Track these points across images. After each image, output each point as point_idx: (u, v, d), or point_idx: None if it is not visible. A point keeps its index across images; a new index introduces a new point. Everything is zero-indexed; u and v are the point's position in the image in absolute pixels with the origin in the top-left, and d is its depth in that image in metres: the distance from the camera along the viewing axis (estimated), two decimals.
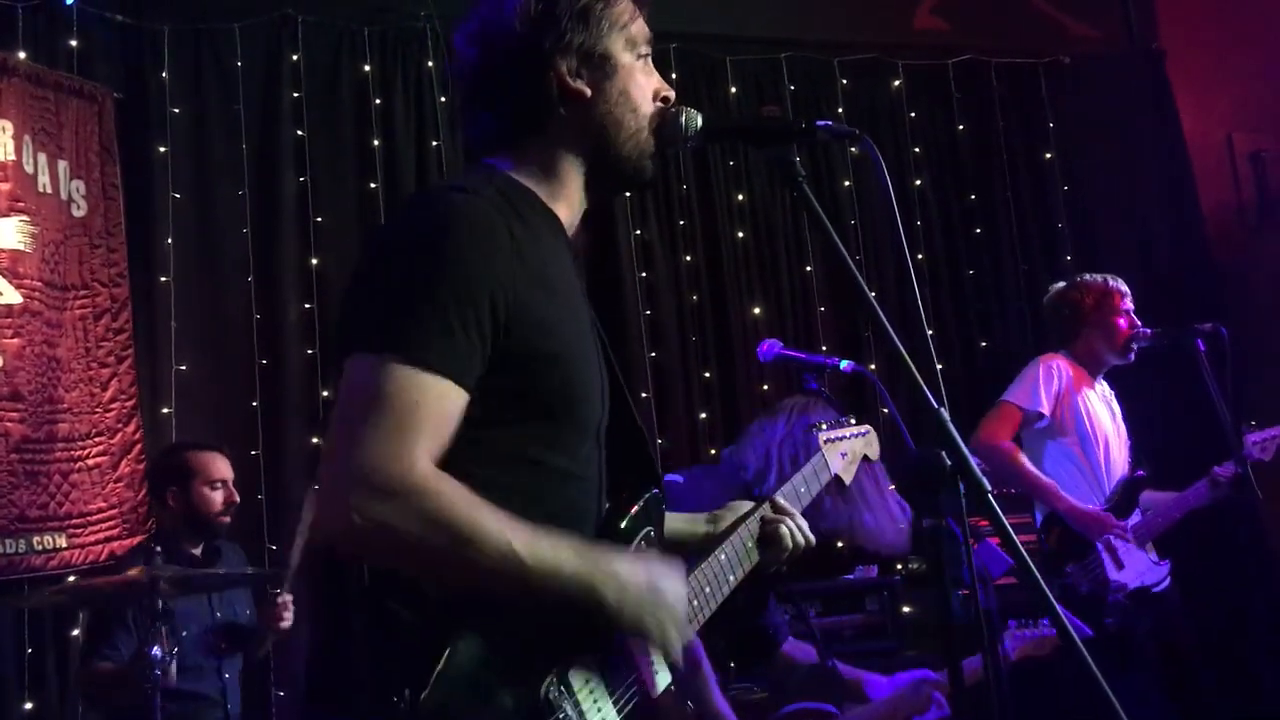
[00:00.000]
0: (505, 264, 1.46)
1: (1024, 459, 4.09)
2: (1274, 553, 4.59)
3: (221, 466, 3.86)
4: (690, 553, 1.94)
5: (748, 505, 2.10)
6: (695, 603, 1.80)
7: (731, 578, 1.95)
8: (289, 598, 3.72)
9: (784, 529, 2.10)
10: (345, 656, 1.53)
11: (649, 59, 1.71)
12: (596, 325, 1.71)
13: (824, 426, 2.50)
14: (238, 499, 3.88)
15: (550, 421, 1.53)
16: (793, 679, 3.10)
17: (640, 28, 1.69)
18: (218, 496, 3.81)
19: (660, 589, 1.50)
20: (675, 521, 2.01)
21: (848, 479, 2.48)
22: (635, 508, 1.68)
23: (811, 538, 2.15)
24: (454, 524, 1.37)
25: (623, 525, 1.64)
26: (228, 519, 3.85)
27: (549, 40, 1.61)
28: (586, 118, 1.64)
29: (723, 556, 1.94)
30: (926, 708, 3.01)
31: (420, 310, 1.40)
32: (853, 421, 2.56)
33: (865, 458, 2.59)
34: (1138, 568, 4.03)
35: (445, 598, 1.43)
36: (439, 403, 1.40)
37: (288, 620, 3.71)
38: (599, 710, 1.52)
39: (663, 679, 1.64)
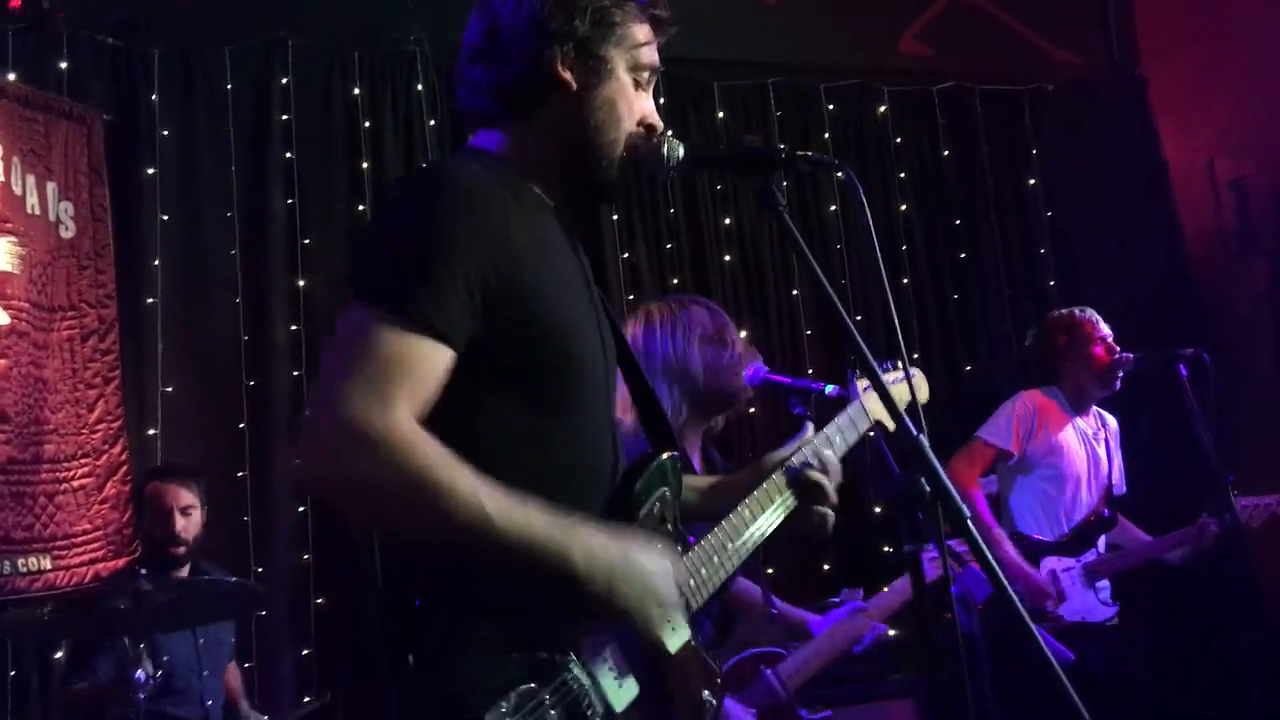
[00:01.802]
0: (500, 231, 1.51)
1: (983, 502, 4.10)
2: (1261, 585, 4.60)
3: (168, 496, 3.81)
4: (711, 513, 1.85)
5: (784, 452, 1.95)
6: (717, 558, 1.73)
7: (756, 533, 1.81)
8: None
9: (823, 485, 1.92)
10: (368, 645, 1.56)
11: (649, 88, 1.74)
12: (600, 296, 1.74)
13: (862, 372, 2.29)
14: (179, 528, 3.79)
15: (551, 389, 1.56)
16: (740, 625, 3.15)
17: (649, 54, 1.73)
18: (157, 529, 3.79)
19: (635, 561, 1.47)
20: (697, 483, 1.97)
21: (891, 425, 2.31)
22: (648, 470, 1.68)
23: (835, 500, 1.94)
24: (428, 480, 1.38)
25: (636, 488, 1.65)
26: (180, 549, 3.79)
27: (555, 25, 1.65)
28: (569, 113, 1.67)
29: (746, 512, 1.82)
30: (862, 635, 3.18)
31: (414, 268, 1.45)
32: (899, 365, 2.32)
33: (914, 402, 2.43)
34: (1079, 604, 4.04)
35: (456, 584, 1.45)
36: (426, 359, 1.43)
37: None
38: (608, 669, 1.53)
39: (679, 636, 1.60)
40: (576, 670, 1.49)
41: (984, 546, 1.49)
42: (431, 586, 1.48)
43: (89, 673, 3.59)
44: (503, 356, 1.51)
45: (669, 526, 1.69)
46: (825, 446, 2.01)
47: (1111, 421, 4.39)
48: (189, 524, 3.82)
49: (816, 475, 1.90)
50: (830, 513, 1.91)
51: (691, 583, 1.67)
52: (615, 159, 1.69)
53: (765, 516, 1.84)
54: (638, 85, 1.72)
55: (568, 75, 1.66)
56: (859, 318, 5.73)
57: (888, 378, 2.27)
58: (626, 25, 1.70)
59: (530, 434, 1.54)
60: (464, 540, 1.41)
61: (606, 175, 1.70)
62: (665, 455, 1.72)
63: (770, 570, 5.16)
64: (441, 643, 1.44)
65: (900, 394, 2.27)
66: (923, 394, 2.36)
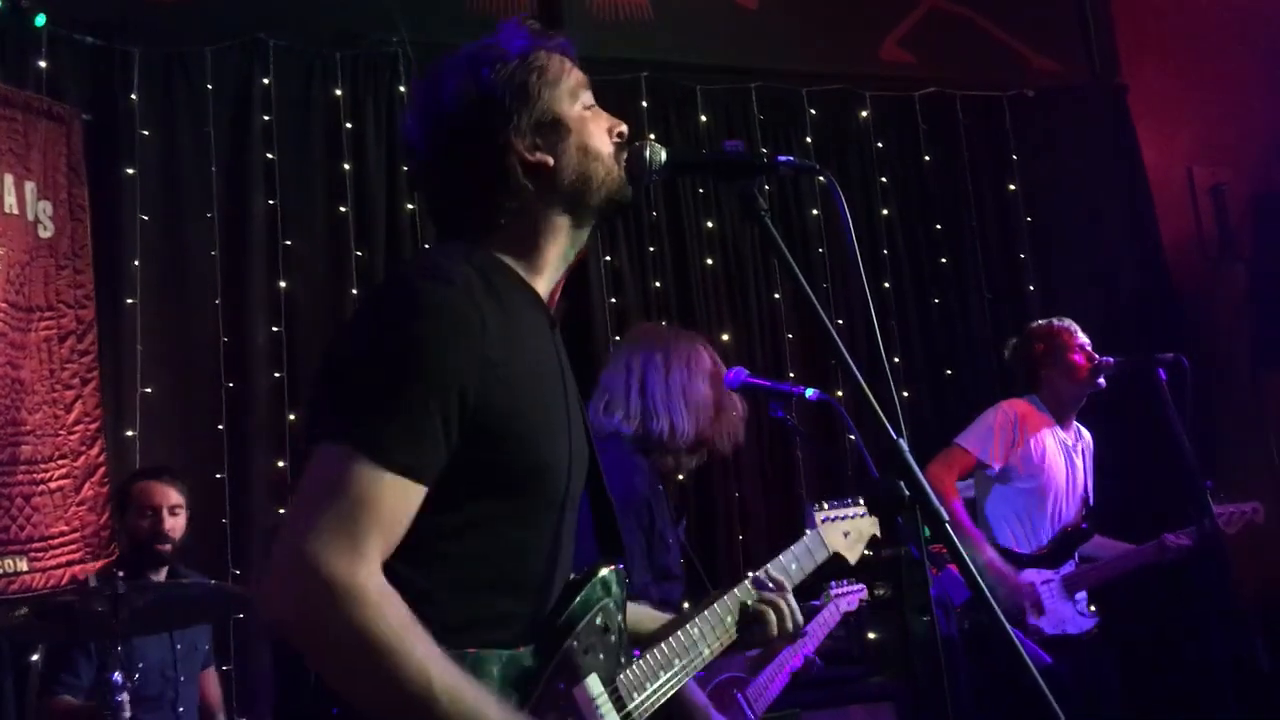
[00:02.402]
0: (472, 354, 1.46)
1: (960, 506, 4.07)
2: (1236, 592, 4.61)
3: (156, 494, 3.80)
4: (653, 637, 1.88)
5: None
6: (664, 673, 1.76)
7: (706, 651, 1.87)
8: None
9: (770, 613, 1.97)
10: (307, 691, 1.52)
11: (591, 100, 1.71)
12: (576, 398, 1.70)
13: (825, 506, 2.48)
14: (168, 527, 3.80)
15: (509, 496, 1.53)
16: None
17: (577, 77, 1.70)
18: (145, 524, 3.77)
19: None
20: (640, 610, 1.97)
21: (852, 558, 2.46)
22: (591, 581, 1.66)
23: (800, 622, 2.03)
24: (380, 638, 1.36)
25: (579, 598, 1.63)
26: (166, 547, 3.79)
27: (498, 123, 1.62)
28: (555, 182, 1.64)
29: (695, 630, 1.87)
30: (802, 664, 3.34)
31: (387, 406, 1.41)
32: (859, 501, 2.52)
33: (874, 536, 2.55)
34: (1059, 615, 4.04)
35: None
36: (396, 501, 1.41)
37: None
38: None
39: None
40: None
41: (961, 550, 1.49)
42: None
43: (72, 678, 3.56)
44: (464, 463, 1.47)
45: (611, 637, 1.67)
46: (780, 574, 2.08)
47: (1087, 435, 4.39)
48: (176, 524, 3.82)
49: (765, 607, 1.95)
50: (775, 634, 1.97)
51: (637, 696, 1.68)
52: (618, 180, 1.68)
53: (714, 636, 1.90)
54: (585, 108, 1.69)
55: (540, 157, 1.63)
56: (840, 321, 5.75)
57: (846, 512, 2.45)
58: (545, 73, 1.66)
59: (484, 537, 1.52)
60: (403, 710, 1.38)
61: (618, 198, 1.70)
62: (609, 568, 1.70)
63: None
64: None
65: (860, 529, 2.47)
66: (877, 530, 2.51)
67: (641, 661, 1.74)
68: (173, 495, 3.83)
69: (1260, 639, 4.99)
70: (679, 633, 1.83)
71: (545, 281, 1.68)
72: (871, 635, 4.41)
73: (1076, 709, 3.79)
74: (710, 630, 1.89)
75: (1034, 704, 1.40)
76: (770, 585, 2.01)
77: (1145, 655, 5.18)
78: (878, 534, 2.51)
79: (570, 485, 1.62)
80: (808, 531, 2.37)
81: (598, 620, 1.65)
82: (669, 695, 1.76)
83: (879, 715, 4.25)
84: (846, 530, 2.46)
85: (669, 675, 1.76)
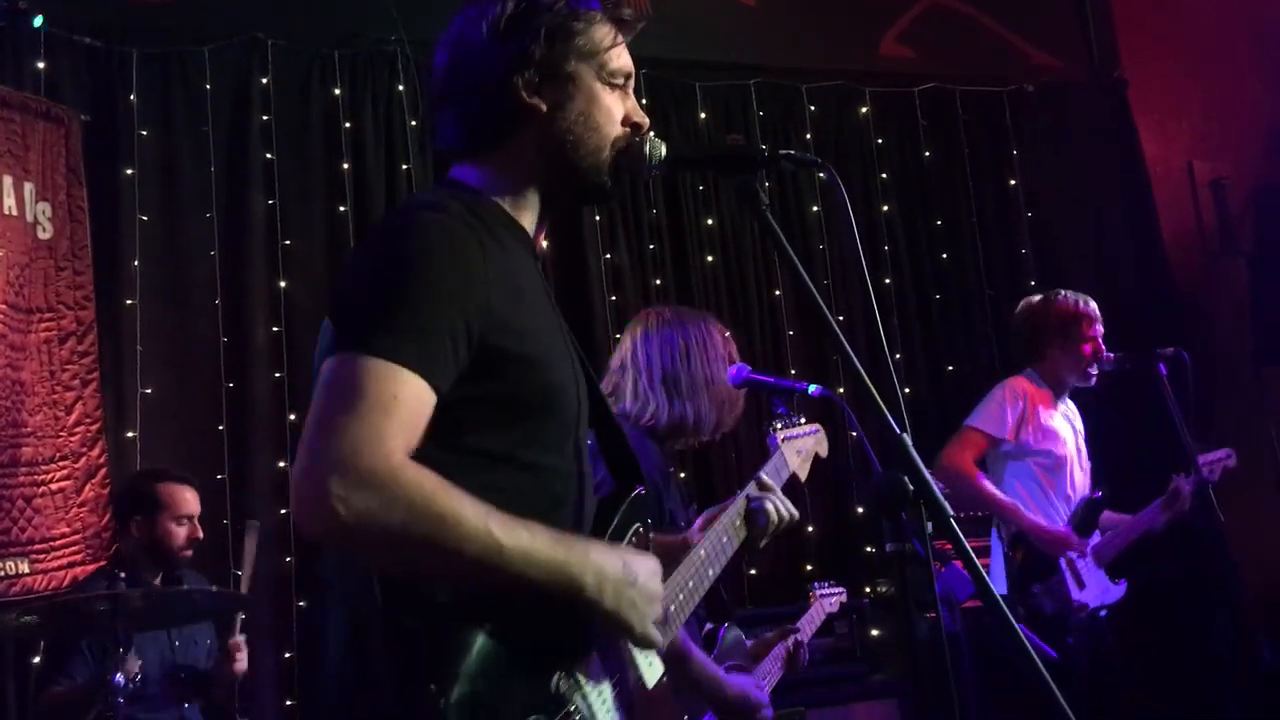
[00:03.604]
0: (476, 277, 1.50)
1: (986, 482, 4.08)
2: (1238, 572, 4.62)
3: (190, 501, 3.82)
4: (670, 557, 2.01)
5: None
6: (681, 596, 1.90)
7: (712, 571, 2.08)
8: (242, 639, 3.70)
9: (769, 505, 2.27)
10: (364, 667, 1.52)
11: (627, 88, 1.72)
12: (567, 329, 1.74)
13: (779, 426, 2.61)
14: (201, 534, 3.83)
15: (531, 421, 1.56)
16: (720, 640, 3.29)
17: (618, 55, 1.70)
18: (182, 532, 3.77)
19: (637, 579, 1.51)
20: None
21: (803, 475, 2.63)
22: (624, 506, 1.70)
23: (795, 513, 2.34)
24: (436, 511, 1.38)
25: (614, 523, 1.67)
26: (189, 553, 3.81)
27: (511, 53, 1.64)
28: (545, 133, 1.66)
29: (702, 552, 2.07)
30: (792, 658, 3.39)
31: (398, 315, 1.44)
32: (802, 421, 2.69)
33: (817, 455, 2.72)
34: (1098, 587, 4.04)
35: (454, 602, 1.45)
36: (413, 397, 1.42)
37: (242, 663, 3.69)
38: (603, 702, 1.56)
39: (654, 672, 1.68)
40: (580, 701, 1.51)
41: (966, 545, 1.48)
42: (433, 613, 1.46)
43: (64, 677, 3.56)
44: (484, 390, 1.50)
45: None
46: (763, 488, 2.38)
47: (1075, 408, 4.39)
48: (196, 530, 3.83)
49: (763, 501, 2.28)
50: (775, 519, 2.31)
51: (679, 600, 1.86)
52: (602, 164, 1.68)
53: (730, 542, 2.19)
54: (612, 89, 1.69)
55: (535, 100, 1.64)
56: (840, 318, 5.74)
57: (799, 431, 2.65)
58: (588, 34, 1.67)
59: (513, 466, 1.54)
60: (473, 568, 1.41)
61: (596, 181, 1.69)
62: (638, 490, 1.74)
63: (753, 571, 5.17)
64: (446, 669, 1.41)
65: (807, 447, 2.66)
66: (823, 449, 2.74)
67: (679, 571, 1.93)
68: (197, 501, 3.85)
69: (1265, 638, 4.99)
70: (689, 558, 2.04)
71: (529, 217, 1.70)
72: (874, 632, 4.41)
73: (1084, 693, 3.81)
74: (717, 547, 2.13)
75: (1040, 699, 1.40)
76: (766, 487, 2.35)
77: (1150, 653, 5.18)
78: (821, 453, 2.72)
79: (580, 408, 1.66)
80: (773, 453, 2.54)
81: (634, 543, 1.70)
82: (703, 595, 1.98)
83: (882, 713, 4.25)
84: (799, 449, 2.62)
85: (685, 598, 1.94)
